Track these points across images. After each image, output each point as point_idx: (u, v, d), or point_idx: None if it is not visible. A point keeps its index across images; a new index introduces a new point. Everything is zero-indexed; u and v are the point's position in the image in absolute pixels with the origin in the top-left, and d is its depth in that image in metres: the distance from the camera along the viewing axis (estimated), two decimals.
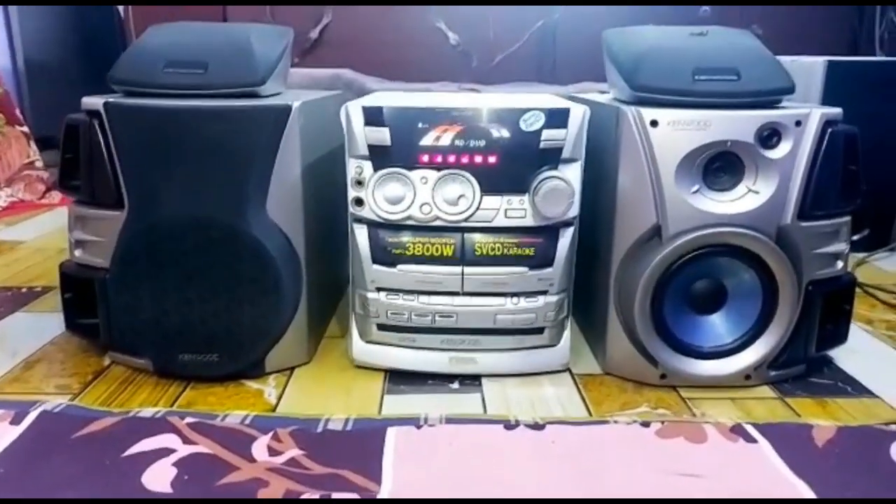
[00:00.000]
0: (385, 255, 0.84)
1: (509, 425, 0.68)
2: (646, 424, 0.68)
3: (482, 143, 0.82)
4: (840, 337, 0.90)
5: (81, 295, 0.89)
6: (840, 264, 0.87)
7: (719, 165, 0.81)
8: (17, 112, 2.01)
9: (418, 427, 0.67)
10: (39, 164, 1.99)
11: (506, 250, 0.83)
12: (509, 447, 0.64)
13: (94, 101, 0.82)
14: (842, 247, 0.86)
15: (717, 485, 0.58)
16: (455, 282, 0.84)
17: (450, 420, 0.68)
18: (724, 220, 0.80)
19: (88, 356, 0.93)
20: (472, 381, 0.87)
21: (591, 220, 0.88)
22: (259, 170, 0.81)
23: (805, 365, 0.89)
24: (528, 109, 0.81)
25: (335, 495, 0.54)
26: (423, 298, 0.85)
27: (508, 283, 0.84)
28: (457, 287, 0.84)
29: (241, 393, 0.83)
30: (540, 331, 0.87)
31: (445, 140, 0.82)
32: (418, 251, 0.84)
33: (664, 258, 0.81)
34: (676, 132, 0.79)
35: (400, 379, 0.87)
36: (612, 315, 0.87)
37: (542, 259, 0.84)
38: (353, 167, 0.84)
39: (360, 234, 0.85)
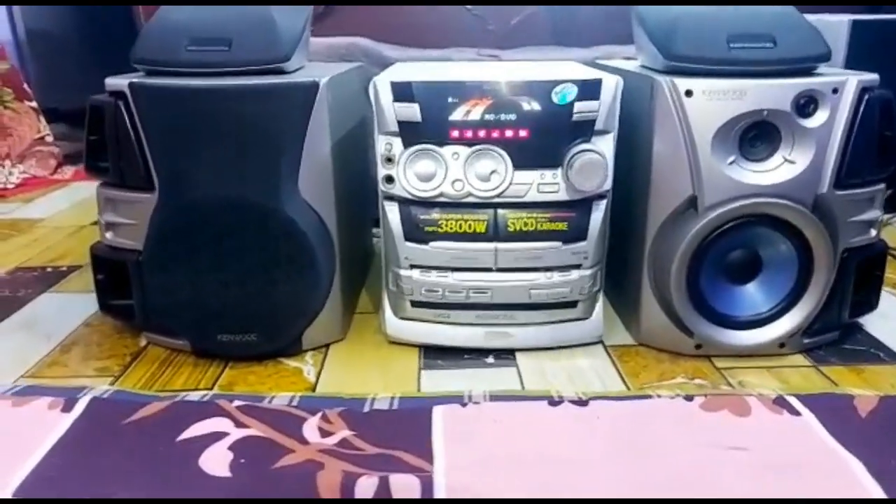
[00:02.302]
0: (417, 233, 0.84)
1: (553, 401, 0.68)
2: (689, 398, 0.69)
3: (513, 116, 0.81)
4: (872, 303, 0.91)
5: (114, 276, 0.90)
6: (874, 231, 0.86)
7: (755, 135, 0.80)
8: (25, 86, 1.99)
9: (463, 405, 0.68)
10: (50, 138, 1.98)
11: (539, 225, 0.83)
12: (555, 424, 0.65)
13: (118, 82, 0.80)
14: (876, 214, 0.85)
15: (766, 458, 0.59)
16: (489, 257, 0.84)
17: (493, 397, 0.69)
18: (760, 191, 0.80)
19: (124, 337, 0.93)
20: (506, 355, 0.87)
21: (623, 192, 0.87)
22: (290, 148, 0.80)
23: (837, 332, 0.89)
24: (560, 81, 0.80)
25: (392, 476, 0.55)
26: (457, 275, 0.85)
27: (542, 258, 0.84)
28: (490, 263, 0.84)
29: (280, 371, 0.84)
30: (573, 304, 0.87)
31: (476, 114, 0.81)
32: (451, 228, 0.83)
33: (701, 229, 0.80)
34: (712, 102, 0.78)
35: (435, 354, 0.88)
36: (645, 286, 0.87)
37: (576, 233, 0.84)
38: (382, 144, 0.83)
39: (392, 212, 0.85)
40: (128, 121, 0.81)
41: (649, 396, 0.69)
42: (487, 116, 0.81)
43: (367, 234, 1.20)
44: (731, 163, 0.80)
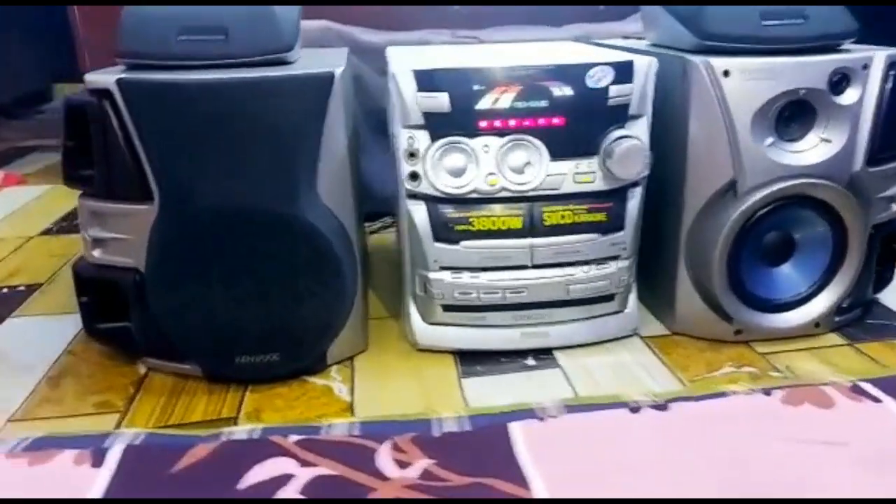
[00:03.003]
0: (447, 233, 0.78)
1: (632, 408, 0.65)
2: (767, 392, 0.67)
3: (544, 103, 0.76)
4: (889, 278, 0.91)
5: (102, 298, 0.80)
6: (895, 206, 0.87)
7: (789, 115, 0.78)
8: None
9: (540, 419, 0.63)
10: None
11: (576, 217, 0.79)
12: (641, 432, 0.61)
13: (101, 79, 0.71)
14: None
15: (863, 451, 0.57)
16: (524, 255, 0.79)
17: (569, 408, 0.65)
18: (798, 172, 0.78)
19: (118, 365, 0.84)
20: (544, 354, 0.83)
21: (654, 178, 0.84)
22: (307, 146, 0.73)
23: (861, 308, 0.89)
24: (595, 64, 0.76)
25: None
26: (491, 275, 0.80)
27: (580, 252, 0.80)
28: (526, 260, 0.79)
29: (307, 392, 0.77)
30: (611, 297, 0.84)
31: (505, 102, 0.75)
32: (483, 226, 0.78)
33: (742, 213, 0.78)
34: (749, 82, 0.76)
35: (470, 360, 0.82)
36: (681, 274, 0.84)
37: (614, 223, 0.80)
38: (404, 138, 0.77)
39: (418, 211, 0.79)
40: (116, 123, 0.71)
41: (724, 394, 0.67)
42: (518, 104, 0.75)
43: (364, 232, 1.13)
44: (769, 144, 0.78)
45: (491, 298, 0.80)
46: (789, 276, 0.84)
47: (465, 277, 0.80)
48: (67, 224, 1.38)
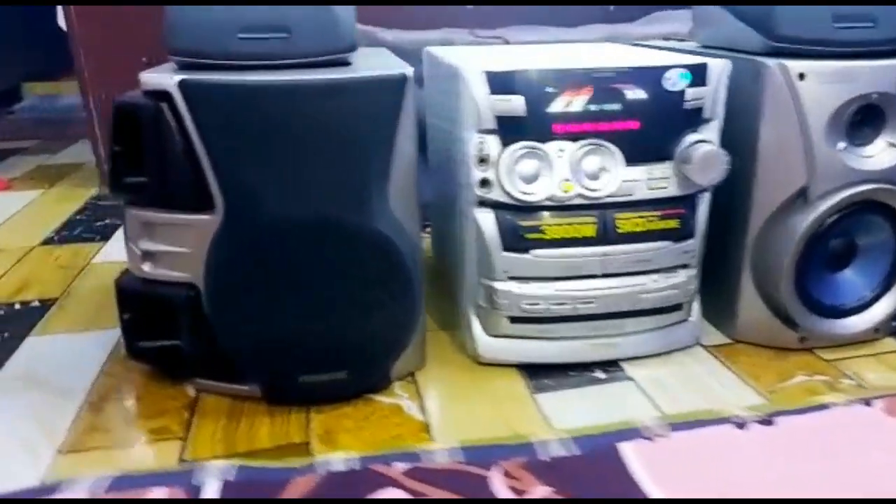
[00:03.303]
0: (518, 241, 0.75)
1: (738, 423, 0.63)
2: (867, 402, 0.65)
3: (618, 106, 0.73)
4: None
5: (146, 315, 0.75)
6: None
7: (860, 119, 0.78)
8: None
9: (649, 439, 0.61)
10: None
11: (650, 225, 0.77)
12: (754, 449, 0.59)
13: (160, 80, 0.66)
14: None
15: None
16: (595, 264, 0.77)
17: (674, 426, 0.63)
18: (869, 177, 0.77)
19: (163, 387, 0.78)
20: (611, 366, 0.81)
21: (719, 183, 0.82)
22: (380, 151, 0.69)
23: None
24: (671, 66, 0.74)
25: None
26: (560, 284, 0.77)
27: (651, 260, 0.78)
28: (597, 269, 0.77)
29: (376, 411, 0.73)
30: (679, 307, 0.82)
31: (578, 105, 0.73)
32: (556, 234, 0.75)
33: (815, 219, 0.77)
34: (824, 85, 0.75)
35: (536, 373, 0.80)
36: (745, 281, 0.83)
37: (686, 230, 0.78)
38: (474, 143, 0.74)
39: (486, 220, 0.76)
40: (175, 127, 0.66)
41: (825, 406, 0.65)
42: (591, 107, 0.73)
43: None
44: (842, 149, 0.77)
45: (560, 309, 0.78)
46: (852, 281, 0.84)
47: (534, 288, 0.77)
48: (68, 233, 1.31)
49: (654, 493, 0.54)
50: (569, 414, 0.71)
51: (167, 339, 0.75)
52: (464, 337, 0.85)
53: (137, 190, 0.70)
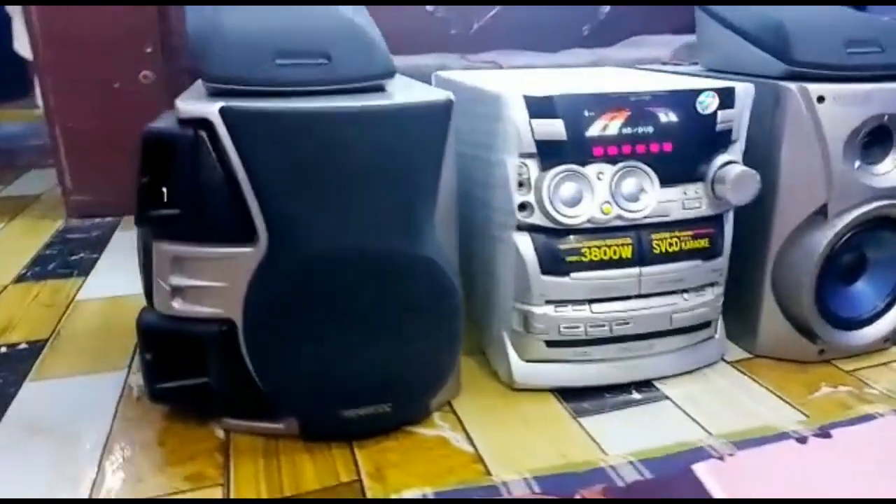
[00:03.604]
0: (557, 265, 0.75)
1: (798, 438, 0.64)
2: None
3: (651, 129, 0.75)
4: None
5: (168, 354, 0.71)
6: None
7: (870, 139, 0.81)
8: None
9: (721, 458, 0.61)
10: None
11: (683, 244, 0.78)
12: (820, 462, 0.60)
13: (198, 108, 0.62)
14: None
15: None
16: (632, 285, 0.77)
17: (738, 444, 0.63)
18: (881, 194, 0.81)
19: (187, 429, 0.74)
20: (645, 386, 0.81)
21: None
22: (428, 177, 0.68)
23: None
24: (703, 90, 0.75)
25: None
26: (596, 306, 0.77)
27: (684, 280, 0.79)
28: (633, 290, 0.77)
29: (420, 444, 0.71)
30: (707, 324, 0.83)
31: (613, 128, 0.74)
32: (595, 256, 0.75)
33: (835, 235, 0.80)
34: (840, 107, 0.78)
35: (572, 397, 0.79)
36: (767, 297, 0.85)
37: (715, 249, 0.80)
38: (513, 167, 0.73)
39: (524, 244, 0.75)
40: (215, 156, 0.63)
41: (873, 416, 0.67)
42: (625, 130, 0.74)
43: None
44: (857, 168, 0.80)
45: (597, 332, 0.78)
46: (865, 292, 0.87)
47: (570, 311, 0.77)
48: (41, 269, 1.22)
49: None
50: (617, 436, 0.71)
51: (194, 377, 0.71)
52: (495, 363, 0.83)
53: (168, 223, 0.66)
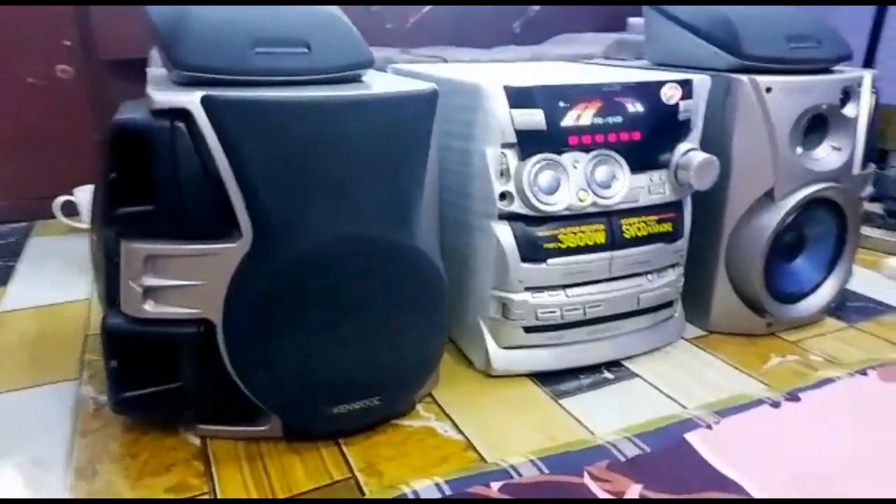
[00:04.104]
0: (535, 252, 0.76)
1: (772, 403, 0.68)
2: (863, 373, 0.74)
3: (621, 118, 0.77)
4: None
5: (140, 359, 0.67)
6: (865, 204, 1.00)
7: (809, 126, 0.88)
8: None
9: (709, 427, 0.64)
10: None
11: (650, 228, 0.81)
12: (796, 424, 0.65)
13: (176, 98, 0.59)
14: (870, 188, 0.99)
15: None
16: (604, 268, 0.79)
17: (719, 412, 0.67)
18: (821, 177, 0.88)
19: (156, 439, 0.69)
20: (615, 366, 0.84)
21: None
22: (416, 167, 0.67)
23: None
24: (667, 81, 0.78)
25: None
26: (571, 291, 0.79)
27: (650, 262, 0.82)
28: (605, 273, 0.80)
29: (410, 436, 0.70)
30: (670, 304, 0.87)
31: (586, 119, 0.75)
32: (571, 242, 0.77)
33: (783, 216, 0.86)
34: (785, 98, 0.83)
35: (548, 380, 0.81)
36: (720, 276, 0.90)
37: (677, 232, 0.83)
38: (494, 157, 0.73)
39: (504, 232, 0.76)
40: (194, 148, 0.60)
41: (831, 380, 0.73)
42: (597, 120, 0.76)
43: None
44: (800, 153, 0.86)
45: (572, 315, 0.79)
46: (805, 268, 0.94)
47: (546, 296, 0.78)
48: None
49: (729, 474, 0.58)
50: (600, 415, 0.73)
51: (167, 383, 0.67)
52: (470, 351, 0.84)
53: (141, 220, 0.61)
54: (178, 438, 0.69)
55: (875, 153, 0.98)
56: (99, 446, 0.68)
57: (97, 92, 1.34)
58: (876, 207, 1.37)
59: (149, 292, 0.63)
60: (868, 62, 1.69)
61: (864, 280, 1.09)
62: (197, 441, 0.69)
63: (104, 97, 1.34)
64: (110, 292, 0.67)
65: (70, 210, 1.26)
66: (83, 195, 1.23)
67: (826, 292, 0.95)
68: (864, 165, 0.93)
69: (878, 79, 0.91)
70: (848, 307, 1.01)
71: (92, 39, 1.30)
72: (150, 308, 0.64)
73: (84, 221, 1.25)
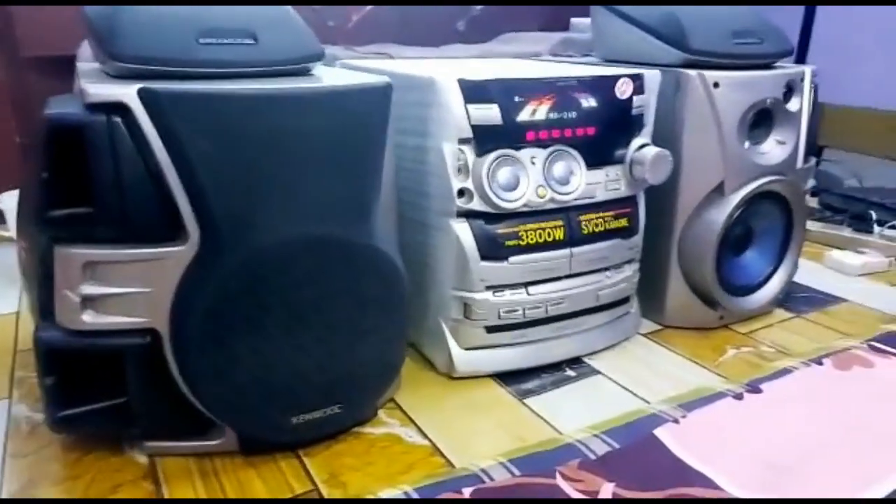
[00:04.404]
0: (495, 250, 0.75)
1: (735, 395, 0.69)
2: (819, 362, 0.75)
3: (575, 114, 0.77)
4: None
5: (79, 374, 0.62)
6: (808, 197, 1.03)
7: (755, 121, 0.89)
8: None
9: (676, 421, 0.64)
10: None
11: (607, 224, 0.81)
12: (760, 413, 0.66)
13: (111, 90, 0.55)
14: (812, 182, 1.03)
15: None
16: (564, 265, 0.79)
17: (683, 406, 0.67)
18: (767, 171, 0.90)
19: (100, 458, 0.65)
20: (576, 363, 0.84)
21: None
22: (372, 163, 0.64)
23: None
24: (619, 76, 0.79)
25: None
26: (532, 289, 0.78)
27: (607, 258, 0.82)
28: (565, 270, 0.79)
29: (374, 444, 0.68)
30: (627, 300, 0.87)
31: (541, 114, 0.75)
32: (531, 239, 0.76)
33: (731, 212, 0.87)
34: (733, 93, 0.85)
35: (511, 380, 0.80)
36: (673, 272, 0.91)
37: (633, 228, 0.84)
38: (450, 153, 0.72)
39: (463, 231, 0.74)
40: (133, 145, 0.56)
41: (788, 370, 0.74)
42: (552, 115, 0.75)
43: None
44: (747, 147, 0.88)
45: (534, 313, 0.79)
46: (754, 261, 0.96)
47: (508, 295, 0.77)
48: None
49: (699, 468, 0.58)
50: (565, 413, 0.72)
51: (109, 398, 0.63)
52: (431, 353, 0.82)
53: (77, 224, 0.57)
54: (123, 457, 0.65)
55: (815, 148, 1.01)
56: (35, 468, 0.63)
57: (19, 92, 1.26)
58: (812, 202, 1.42)
59: (87, 302, 0.59)
60: (800, 61, 1.76)
61: (808, 272, 1.13)
62: (144, 459, 0.65)
63: (27, 98, 1.26)
64: (43, 303, 0.62)
65: None
66: (10, 201, 1.15)
67: (776, 284, 0.97)
68: (806, 159, 0.96)
69: (815, 75, 0.94)
70: (794, 298, 1.04)
71: (11, 35, 1.22)
72: (89, 319, 0.59)
73: (11, 230, 1.17)
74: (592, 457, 0.59)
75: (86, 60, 0.86)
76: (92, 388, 0.63)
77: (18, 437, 0.68)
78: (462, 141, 0.72)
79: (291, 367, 0.63)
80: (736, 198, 0.88)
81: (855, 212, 1.34)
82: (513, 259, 0.76)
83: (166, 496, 0.60)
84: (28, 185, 0.59)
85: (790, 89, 0.90)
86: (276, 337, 0.61)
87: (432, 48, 1.48)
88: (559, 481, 0.55)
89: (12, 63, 1.25)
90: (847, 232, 1.29)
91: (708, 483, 0.57)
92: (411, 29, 1.61)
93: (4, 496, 0.59)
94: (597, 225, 0.80)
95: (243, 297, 0.59)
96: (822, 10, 1.75)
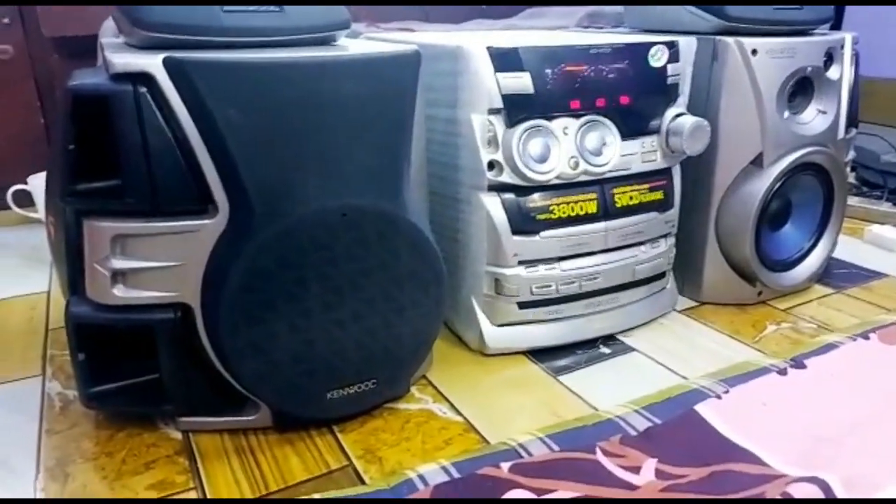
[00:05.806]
0: (527, 223, 0.73)
1: (779, 370, 0.66)
2: (865, 336, 0.73)
3: (608, 83, 0.74)
4: None
5: (112, 349, 0.62)
6: (847, 169, 1.00)
7: (794, 90, 0.86)
8: None
9: (718, 397, 0.62)
10: None
11: (642, 197, 0.79)
12: (804, 389, 0.63)
13: (137, 60, 0.54)
14: (853, 153, 0.99)
15: None
16: (599, 239, 0.77)
17: (725, 381, 0.65)
18: (808, 141, 0.87)
19: (133, 435, 0.65)
20: (611, 340, 0.82)
21: None
22: (403, 132, 0.63)
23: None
24: (654, 43, 0.76)
25: (790, 487, 0.48)
26: (565, 264, 0.76)
27: (643, 232, 0.80)
28: (601, 245, 0.77)
29: (409, 419, 0.67)
30: (663, 275, 0.85)
31: (573, 82, 0.73)
32: (564, 213, 0.74)
33: (772, 182, 0.84)
34: (772, 60, 0.82)
35: (545, 357, 0.78)
36: (711, 246, 0.88)
37: (668, 201, 0.81)
38: (480, 125, 0.70)
39: (494, 204, 0.72)
40: (160, 115, 0.55)
41: (835, 345, 0.71)
42: (585, 84, 0.73)
43: None
44: (787, 118, 0.85)
45: (568, 289, 0.77)
46: (793, 235, 0.93)
47: (541, 270, 0.75)
48: None
49: (743, 444, 0.56)
50: (602, 390, 0.71)
51: (142, 374, 0.63)
52: (462, 330, 0.81)
53: (106, 196, 0.56)
54: (157, 434, 0.65)
55: (856, 118, 0.97)
56: (69, 445, 0.63)
57: (43, 73, 1.26)
58: (849, 178, 1.38)
59: (118, 276, 0.58)
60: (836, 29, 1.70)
61: (847, 247, 1.09)
62: (179, 435, 0.64)
63: (50, 79, 1.26)
64: (73, 279, 0.62)
65: (22, 200, 1.18)
66: (38, 182, 1.16)
67: (815, 259, 0.94)
68: (847, 130, 0.92)
69: (857, 42, 0.91)
70: (834, 273, 1.01)
71: (33, 15, 1.22)
72: (119, 293, 0.59)
73: (40, 211, 1.17)
74: (633, 433, 0.57)
75: (110, 36, 0.85)
76: (124, 364, 0.63)
77: (52, 416, 0.68)
78: (492, 111, 0.70)
79: (329, 343, 0.62)
80: (775, 170, 0.85)
81: (893, 186, 1.29)
82: (545, 233, 0.74)
83: (201, 472, 0.59)
84: (54, 160, 0.58)
85: (830, 57, 0.87)
86: (313, 312, 0.60)
87: (455, 25, 1.46)
88: (599, 457, 0.53)
89: (34, 44, 1.25)
90: (886, 206, 1.25)
91: (752, 459, 0.55)
92: (433, 8, 1.58)
93: (46, 472, 0.59)
94: (631, 198, 0.78)
95: (278, 271, 0.58)
96: None
